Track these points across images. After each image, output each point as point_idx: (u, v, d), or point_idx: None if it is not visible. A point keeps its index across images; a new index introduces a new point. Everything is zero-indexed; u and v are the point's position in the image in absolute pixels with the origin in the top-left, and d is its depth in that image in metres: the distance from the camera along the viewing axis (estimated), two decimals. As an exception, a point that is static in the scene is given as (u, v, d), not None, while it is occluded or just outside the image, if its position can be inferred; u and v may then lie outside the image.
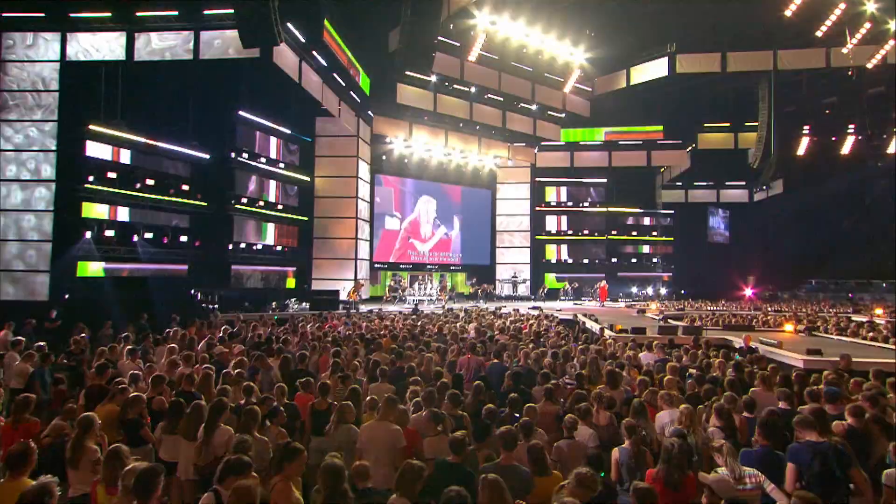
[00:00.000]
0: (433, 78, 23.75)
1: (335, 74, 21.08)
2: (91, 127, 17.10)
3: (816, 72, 26.23)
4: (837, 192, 33.88)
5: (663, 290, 32.92)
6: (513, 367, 7.11)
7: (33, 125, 17.28)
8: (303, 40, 18.38)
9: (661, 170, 35.81)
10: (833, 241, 37.24)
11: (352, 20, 21.65)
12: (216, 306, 17.85)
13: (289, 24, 17.55)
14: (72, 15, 17.11)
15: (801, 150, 32.16)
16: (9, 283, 17.19)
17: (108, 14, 16.97)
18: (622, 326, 11.40)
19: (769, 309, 21.31)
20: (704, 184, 36.91)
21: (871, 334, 12.15)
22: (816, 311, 22.72)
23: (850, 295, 34.17)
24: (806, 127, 31.75)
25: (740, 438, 4.84)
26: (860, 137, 31.24)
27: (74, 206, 16.91)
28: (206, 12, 16.66)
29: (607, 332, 11.34)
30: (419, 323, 14.81)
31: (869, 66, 23.10)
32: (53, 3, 16.96)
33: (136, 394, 4.96)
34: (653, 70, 25.87)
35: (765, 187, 34.78)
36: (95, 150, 17.30)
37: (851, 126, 31.16)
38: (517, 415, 5.14)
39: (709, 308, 21.91)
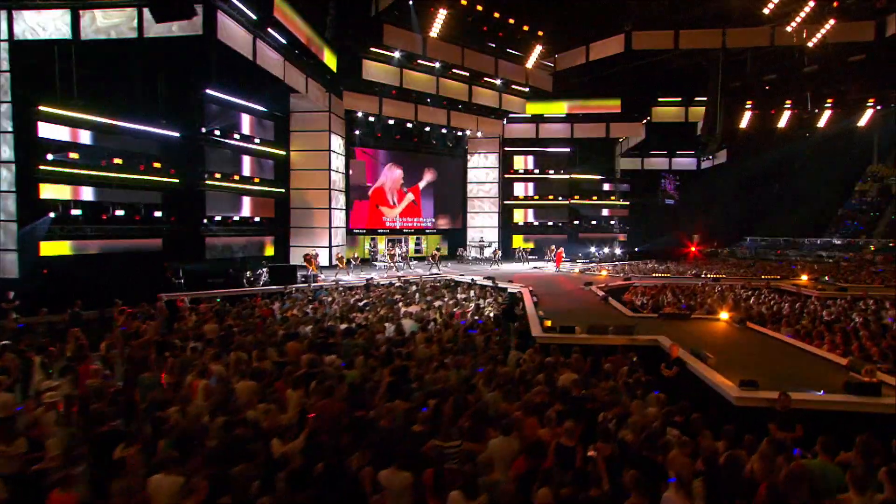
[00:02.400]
0: (397, 54, 20.59)
1: (297, 51, 17.97)
2: (42, 108, 14.27)
3: (760, 50, 22.94)
4: (773, 161, 31.24)
5: (618, 251, 30.53)
6: (378, 421, 4.87)
7: (-8, 105, 14.51)
8: (253, 17, 15.22)
9: (620, 140, 32.90)
10: (766, 205, 35.43)
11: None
12: (181, 281, 15.48)
13: (235, 1, 14.44)
14: (14, -8, 13.97)
15: (743, 123, 29.31)
16: (-16, 262, 14.86)
17: (51, -10, 13.85)
18: (551, 323, 9.11)
19: (708, 276, 19.04)
20: (658, 153, 34.02)
21: (803, 322, 9.92)
22: (751, 273, 20.56)
23: (777, 252, 32.15)
24: (749, 102, 28.74)
25: None
26: (796, 112, 28.39)
27: (32, 187, 14.35)
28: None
29: (535, 331, 9.06)
30: (361, 303, 12.60)
31: (809, 44, 19.85)
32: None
33: None
34: (610, 47, 22.52)
35: (711, 157, 32.00)
36: (49, 131, 14.53)
37: (788, 102, 28.22)
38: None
39: (654, 277, 19.59)
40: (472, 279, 17.39)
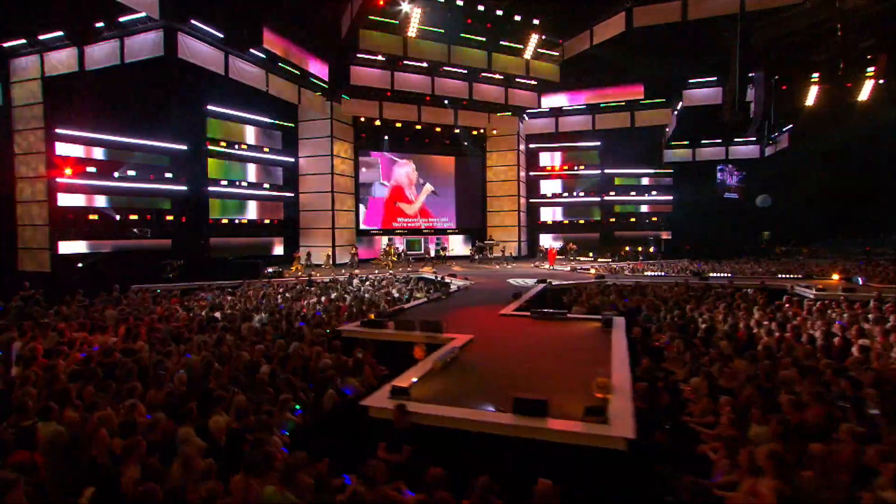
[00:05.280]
0: (380, 58, 20.40)
1: (280, 63, 18.65)
2: (58, 130, 16.56)
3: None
4: (858, 141, 25.24)
5: (652, 249, 27.02)
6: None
7: (32, 132, 17.22)
8: (220, 36, 16.06)
9: (667, 129, 29.10)
10: (859, 194, 28.73)
11: (299, 9, 18.89)
12: (171, 276, 16.82)
13: (195, 22, 15.39)
14: (41, 37, 16.33)
15: (809, 101, 24.20)
16: (28, 258, 17.66)
17: (62, 33, 15.88)
18: (374, 316, 8.16)
19: (708, 274, 15.95)
20: (711, 141, 29.57)
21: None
22: (777, 271, 16.78)
23: (867, 248, 25.97)
24: (815, 75, 23.66)
25: None
26: (882, 82, 22.67)
27: (53, 197, 16.71)
28: (121, 19, 15.04)
29: (350, 325, 8.18)
30: (279, 297, 12.59)
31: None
32: (29, 28, 16.23)
33: None
34: (612, 27, 20.07)
35: (770, 141, 26.96)
36: (66, 149, 16.84)
37: (871, 69, 22.63)
38: None
39: (646, 275, 16.93)
40: (430, 276, 16.56)
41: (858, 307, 9.65)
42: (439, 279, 15.52)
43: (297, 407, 4.88)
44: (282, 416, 4.68)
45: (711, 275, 16.22)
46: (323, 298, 12.12)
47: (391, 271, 19.31)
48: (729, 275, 16.24)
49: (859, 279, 14.14)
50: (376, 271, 19.17)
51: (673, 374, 6.27)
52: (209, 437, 4.32)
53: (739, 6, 17.75)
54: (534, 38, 21.31)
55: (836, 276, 14.90)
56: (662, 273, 17.13)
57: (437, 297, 11.62)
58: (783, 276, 15.62)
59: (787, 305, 10.38)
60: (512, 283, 15.16)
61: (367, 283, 15.69)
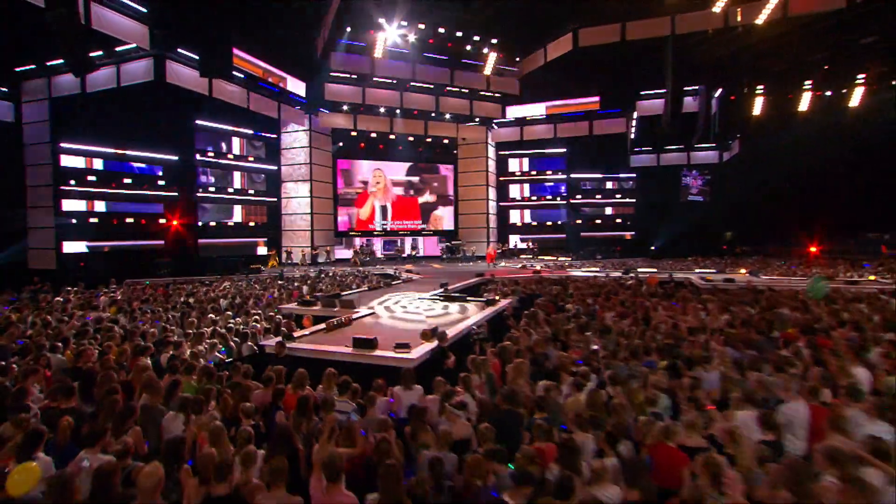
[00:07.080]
0: (351, 76, 22.83)
1: (260, 83, 21.08)
2: (62, 144, 19.07)
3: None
4: (801, 148, 27.33)
5: (618, 249, 29.26)
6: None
7: (40, 146, 19.71)
8: (195, 58, 18.43)
9: (631, 136, 31.31)
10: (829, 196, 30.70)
11: (277, 35, 21.33)
12: (164, 271, 19.26)
13: (181, 50, 17.85)
14: (48, 63, 18.86)
15: (756, 111, 26.50)
16: (37, 257, 20.13)
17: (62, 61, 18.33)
18: (309, 297, 10.51)
19: (638, 272, 18.16)
20: (673, 147, 31.78)
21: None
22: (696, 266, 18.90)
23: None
24: (760, 87, 26.01)
25: None
26: (819, 94, 25.02)
27: (57, 203, 19.21)
28: (116, 49, 17.53)
29: (287, 303, 10.54)
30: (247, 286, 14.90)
31: (759, 21, 17.90)
32: (39, 56, 18.76)
33: None
34: (561, 46, 22.37)
35: (724, 148, 29.19)
36: (69, 161, 19.34)
37: (809, 82, 24.98)
38: None
39: (584, 269, 19.18)
40: (389, 272, 18.87)
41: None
42: (395, 273, 17.82)
43: (224, 349, 7.23)
44: (211, 353, 7.02)
45: (640, 270, 18.41)
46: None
47: (360, 268, 21.67)
48: (654, 270, 18.43)
49: (759, 274, 16.34)
50: (346, 268, 21.52)
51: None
52: (159, 362, 6.69)
53: (670, 29, 19.96)
54: (492, 56, 23.63)
55: (743, 271, 17.08)
56: (598, 269, 19.32)
57: (377, 285, 13.95)
58: (699, 270, 17.80)
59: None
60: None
61: (331, 276, 18.05)
